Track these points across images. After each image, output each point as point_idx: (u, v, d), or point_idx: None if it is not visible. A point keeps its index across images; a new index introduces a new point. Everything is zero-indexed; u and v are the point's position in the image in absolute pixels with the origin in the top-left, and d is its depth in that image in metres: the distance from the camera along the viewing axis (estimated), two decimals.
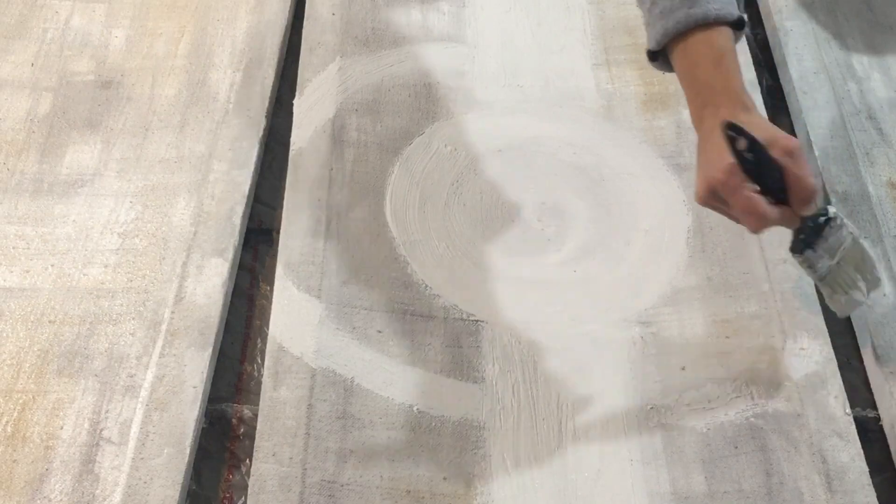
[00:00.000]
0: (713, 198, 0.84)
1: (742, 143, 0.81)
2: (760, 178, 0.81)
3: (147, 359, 0.92)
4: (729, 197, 0.82)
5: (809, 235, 0.85)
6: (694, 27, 0.86)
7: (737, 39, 0.89)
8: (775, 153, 0.81)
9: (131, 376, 0.91)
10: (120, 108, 1.15)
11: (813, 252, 0.86)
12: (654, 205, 1.06)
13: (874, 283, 0.88)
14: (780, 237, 1.03)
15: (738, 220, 0.85)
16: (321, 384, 0.91)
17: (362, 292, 0.98)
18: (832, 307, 0.90)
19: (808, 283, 0.99)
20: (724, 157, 0.82)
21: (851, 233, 0.87)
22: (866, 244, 0.87)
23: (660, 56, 0.91)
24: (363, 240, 1.03)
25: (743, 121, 0.82)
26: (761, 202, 0.81)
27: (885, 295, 0.98)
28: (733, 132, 0.81)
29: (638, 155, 1.11)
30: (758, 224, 0.82)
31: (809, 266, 0.87)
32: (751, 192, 0.81)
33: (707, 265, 1.01)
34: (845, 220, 0.86)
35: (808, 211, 0.83)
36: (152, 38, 1.23)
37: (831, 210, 0.85)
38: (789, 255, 0.88)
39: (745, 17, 0.89)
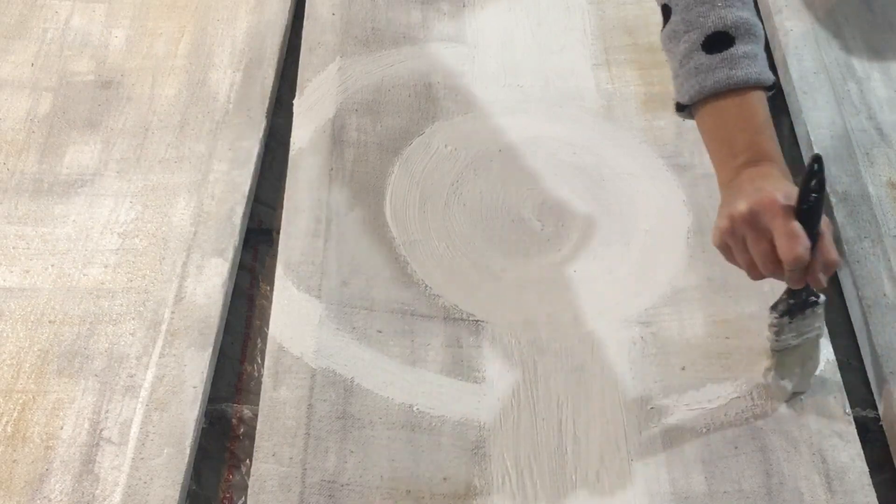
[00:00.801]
0: (747, 225, 0.80)
1: (814, 182, 0.78)
2: (811, 225, 0.79)
3: (147, 359, 0.92)
4: (772, 220, 0.79)
5: (796, 305, 0.86)
6: (729, 90, 0.85)
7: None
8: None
9: (131, 376, 0.91)
10: (120, 108, 1.15)
11: (789, 322, 0.87)
12: (654, 205, 1.06)
13: (805, 385, 0.90)
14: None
15: (746, 265, 0.83)
16: (321, 384, 0.91)
17: (362, 292, 0.98)
18: (764, 379, 0.91)
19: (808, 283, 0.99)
20: (785, 186, 0.80)
21: (821, 328, 0.88)
22: (821, 348, 0.90)
23: (686, 107, 0.89)
24: (363, 240, 1.03)
25: (785, 188, 0.80)
26: (805, 237, 0.78)
27: (885, 294, 0.98)
28: (818, 168, 0.78)
29: (638, 155, 1.11)
30: (799, 255, 0.78)
31: (777, 332, 0.87)
32: (798, 223, 0.78)
33: (707, 265, 1.01)
34: (823, 320, 0.88)
35: (820, 284, 0.82)
36: (152, 38, 1.23)
37: (822, 298, 0.86)
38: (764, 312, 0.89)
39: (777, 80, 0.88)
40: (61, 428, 0.87)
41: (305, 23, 1.25)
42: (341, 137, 1.12)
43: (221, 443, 0.90)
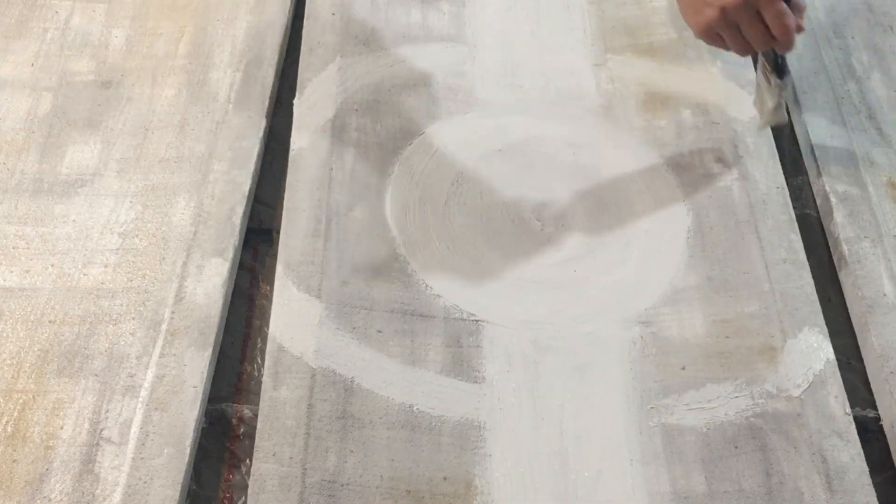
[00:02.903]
0: (741, 12, 0.94)
1: None
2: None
3: (147, 359, 0.92)
4: (764, 5, 0.93)
5: (783, 62, 1.05)
6: None
7: None
8: None
9: (131, 376, 0.91)
10: (120, 108, 1.15)
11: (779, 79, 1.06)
12: (654, 205, 1.06)
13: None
14: (780, 238, 1.03)
15: (739, 47, 0.98)
16: (321, 384, 0.91)
17: (362, 292, 0.98)
18: (765, 117, 1.10)
19: (808, 283, 0.99)
20: None
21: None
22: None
23: None
24: (363, 240, 1.03)
25: None
26: (789, 10, 0.94)
27: (884, 294, 0.98)
28: None
29: (638, 155, 1.11)
30: (784, 30, 0.95)
31: (777, 88, 1.07)
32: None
33: (707, 265, 1.01)
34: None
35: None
36: (152, 38, 1.23)
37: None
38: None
39: None
40: (61, 428, 0.87)
41: (305, 23, 1.25)
42: (341, 137, 1.11)
43: (221, 443, 0.90)
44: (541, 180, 1.09)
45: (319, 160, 1.09)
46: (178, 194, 1.06)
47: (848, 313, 1.00)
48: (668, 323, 0.97)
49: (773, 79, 1.06)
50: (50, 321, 0.95)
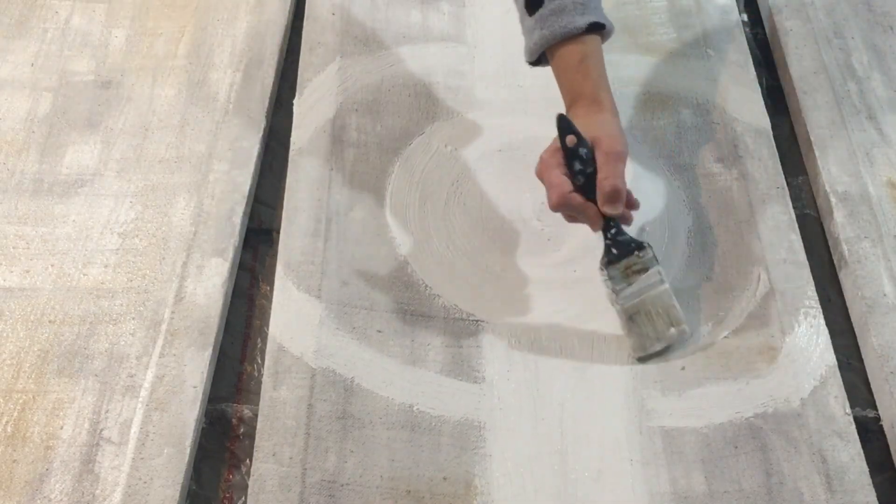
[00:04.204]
0: (538, 175, 0.94)
1: (568, 140, 0.91)
2: (577, 173, 0.92)
3: (147, 359, 0.92)
4: (544, 174, 0.92)
5: (615, 251, 0.93)
6: (564, 38, 0.95)
7: (604, 38, 0.97)
8: (598, 153, 0.91)
9: (131, 376, 0.91)
10: (120, 108, 1.15)
11: (614, 269, 0.93)
12: (654, 205, 1.06)
13: (669, 338, 0.93)
14: (780, 238, 1.03)
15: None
16: (321, 384, 0.91)
17: (362, 292, 0.98)
18: (629, 340, 0.94)
19: (808, 283, 0.99)
20: (555, 142, 0.93)
21: (661, 279, 0.93)
22: (675, 304, 0.93)
23: (540, 60, 1.00)
24: (363, 240, 1.03)
25: (590, 119, 0.93)
26: (566, 181, 0.91)
27: (885, 294, 0.98)
28: (562, 124, 0.92)
29: (638, 155, 1.11)
30: (556, 198, 0.91)
31: (612, 284, 0.94)
32: (560, 173, 0.91)
33: (707, 265, 1.01)
34: (659, 267, 0.93)
35: (612, 211, 0.92)
36: (152, 38, 1.23)
37: (646, 244, 0.94)
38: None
39: (607, 23, 0.96)
40: (61, 428, 0.87)
41: (305, 23, 1.25)
42: (341, 137, 1.12)
43: (221, 443, 0.90)
44: None
45: (319, 160, 1.09)
46: (178, 194, 1.06)
47: (848, 313, 1.00)
48: None
49: (599, 270, 0.95)
50: (50, 321, 0.95)
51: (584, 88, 0.95)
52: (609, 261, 0.94)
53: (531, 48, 0.98)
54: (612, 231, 0.93)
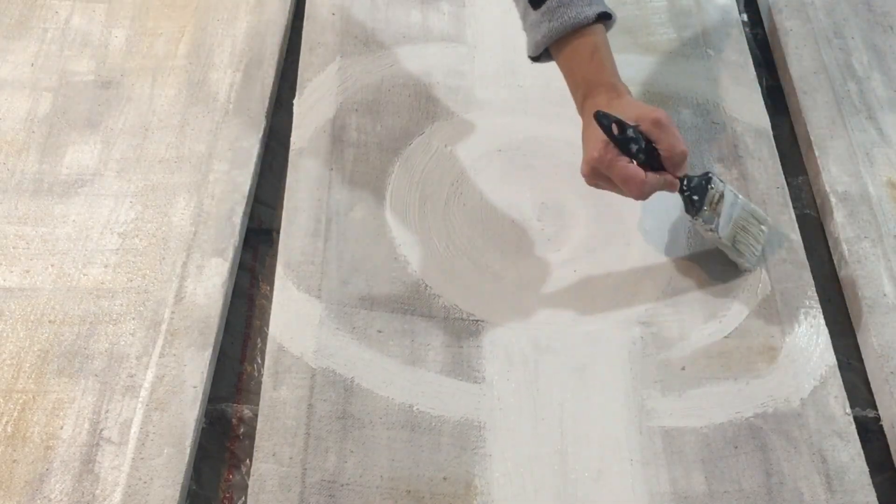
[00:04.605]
0: (596, 175, 0.94)
1: (614, 128, 0.91)
2: (637, 152, 0.92)
3: (147, 359, 0.92)
4: (608, 171, 0.92)
5: (696, 197, 0.95)
6: (574, 30, 0.96)
7: (608, 28, 0.98)
8: (644, 126, 0.92)
9: (131, 376, 0.91)
10: (120, 108, 1.15)
11: (703, 213, 0.95)
12: (654, 205, 1.06)
13: (768, 231, 1.00)
14: (780, 238, 1.03)
15: (623, 193, 0.94)
16: (321, 384, 0.91)
17: (362, 292, 0.98)
18: (737, 261, 0.99)
19: (808, 283, 0.99)
20: (599, 138, 0.92)
21: (735, 192, 0.98)
22: (751, 205, 1.00)
23: (542, 56, 1.01)
24: (363, 240, 1.03)
25: (614, 105, 0.93)
26: (637, 169, 0.91)
27: (885, 294, 0.98)
28: (603, 119, 0.91)
29: None
30: (639, 190, 0.92)
31: (707, 226, 0.96)
32: (626, 163, 0.91)
33: (707, 265, 1.01)
34: (726, 185, 0.98)
35: (682, 171, 0.94)
36: (152, 38, 1.23)
37: (706, 172, 0.97)
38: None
39: (612, 13, 0.98)
40: (61, 428, 0.87)
41: (305, 23, 1.25)
42: (341, 137, 1.12)
43: (221, 443, 0.90)
44: (541, 180, 1.09)
45: (319, 160, 1.09)
46: (178, 194, 1.06)
47: (848, 313, 1.00)
48: (668, 323, 0.97)
49: (690, 220, 0.97)
50: (50, 321, 0.95)
51: (600, 78, 0.96)
52: (696, 209, 0.96)
53: (538, 41, 0.98)
54: (685, 182, 0.95)
